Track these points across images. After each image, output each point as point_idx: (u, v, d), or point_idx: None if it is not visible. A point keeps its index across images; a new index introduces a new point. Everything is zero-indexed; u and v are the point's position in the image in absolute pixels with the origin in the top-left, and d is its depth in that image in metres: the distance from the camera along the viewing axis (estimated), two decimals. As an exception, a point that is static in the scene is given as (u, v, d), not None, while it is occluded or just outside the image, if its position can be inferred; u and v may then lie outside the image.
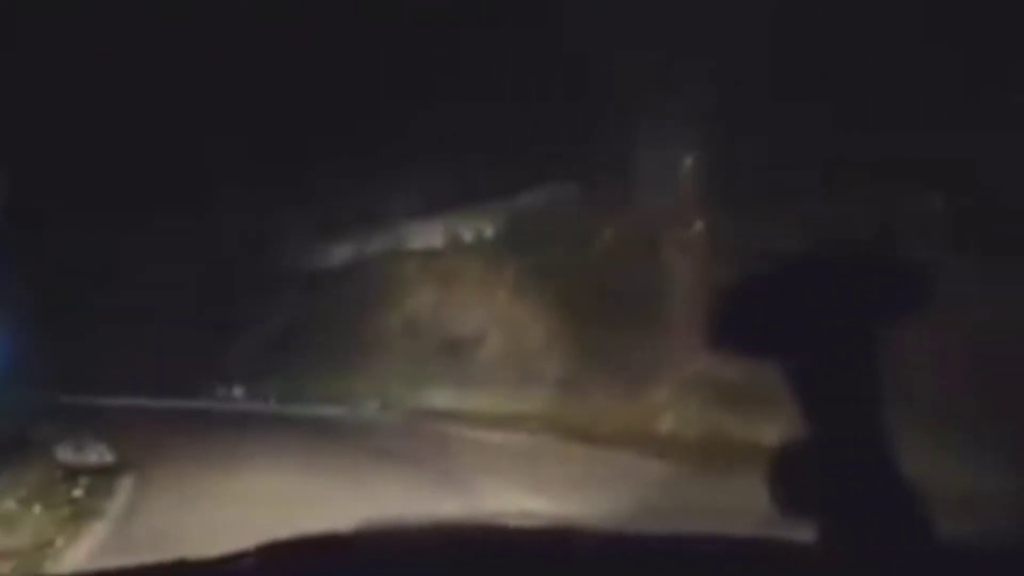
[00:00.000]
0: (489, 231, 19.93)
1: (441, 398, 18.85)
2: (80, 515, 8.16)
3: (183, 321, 23.60)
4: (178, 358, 23.37)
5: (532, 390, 16.80)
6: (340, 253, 24.02)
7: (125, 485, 10.11)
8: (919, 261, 0.88)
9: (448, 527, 1.49)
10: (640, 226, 15.20)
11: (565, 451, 13.60)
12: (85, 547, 7.33)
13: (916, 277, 0.88)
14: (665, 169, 14.59)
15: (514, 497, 8.93)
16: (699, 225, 14.20)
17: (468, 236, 20.47)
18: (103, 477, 10.51)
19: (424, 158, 19.53)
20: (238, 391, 24.84)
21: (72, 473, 10.52)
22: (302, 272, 24.87)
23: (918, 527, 0.85)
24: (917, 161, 10.10)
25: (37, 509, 8.16)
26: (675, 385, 14.29)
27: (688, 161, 14.37)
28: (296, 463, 11.51)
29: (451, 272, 20.60)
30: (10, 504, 8.29)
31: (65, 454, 11.69)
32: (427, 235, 21.60)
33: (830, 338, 0.86)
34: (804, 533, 0.90)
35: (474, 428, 15.90)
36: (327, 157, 21.25)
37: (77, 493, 9.18)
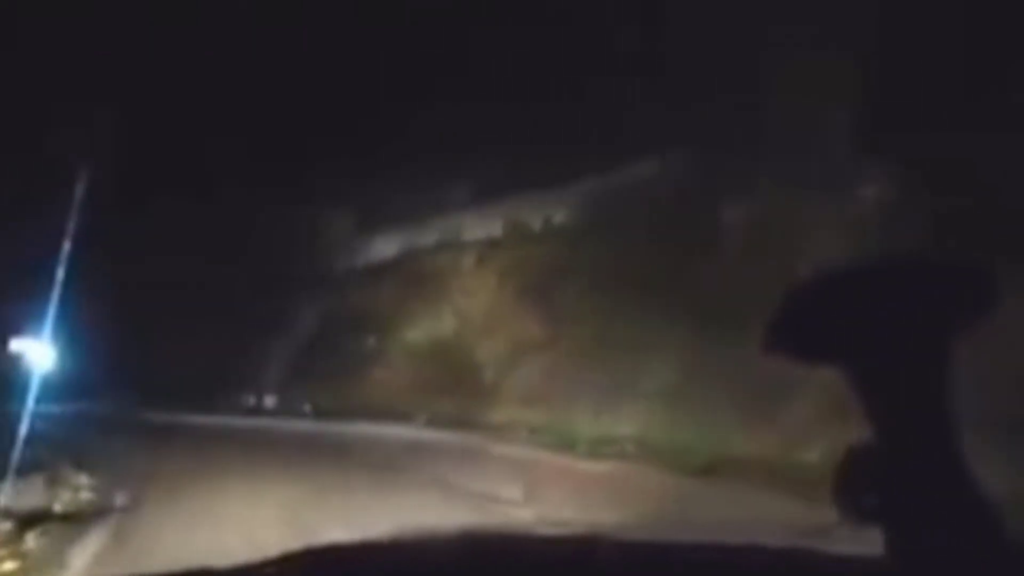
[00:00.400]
0: (560, 216, 16.81)
1: (504, 412, 15.81)
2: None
3: (205, 323, 20.89)
4: (201, 363, 20.73)
5: (622, 407, 13.66)
6: (384, 245, 21.06)
7: (89, 547, 7.13)
8: (988, 267, 0.85)
9: (471, 537, 1.49)
10: (773, 203, 12.10)
11: (666, 485, 10.50)
12: None
13: (986, 283, 0.86)
14: (808, 129, 11.39)
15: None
16: (860, 198, 11.02)
17: (535, 223, 17.36)
18: (64, 532, 7.57)
19: (480, 143, 16.99)
20: (269, 401, 22.08)
21: (25, 525, 7.59)
22: (341, 268, 22.01)
23: (987, 532, 0.82)
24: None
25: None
26: (818, 405, 11.05)
27: (839, 117, 11.14)
28: (325, 504, 8.58)
29: (514, 264, 17.53)
30: None
31: (27, 495, 8.75)
32: (485, 223, 18.53)
33: (899, 342, 0.84)
34: (870, 538, 0.86)
35: (547, 451, 12.88)
36: (363, 143, 18.90)
37: (8, 567, 6.24)
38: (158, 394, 18.33)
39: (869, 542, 0.87)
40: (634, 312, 14.32)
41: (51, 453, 10.16)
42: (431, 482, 10.28)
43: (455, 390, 17.23)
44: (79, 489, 8.99)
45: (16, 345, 20.04)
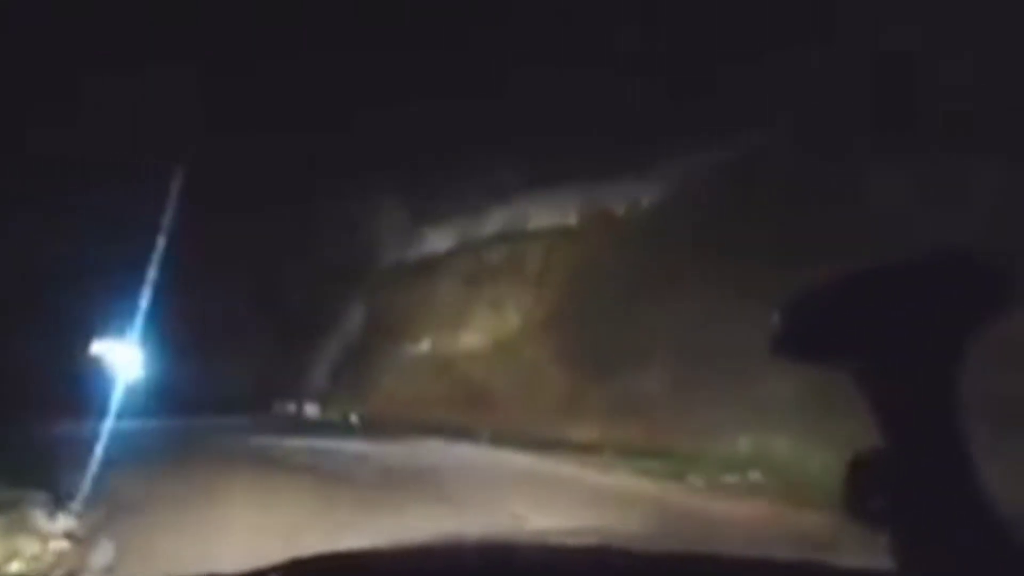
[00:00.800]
0: (649, 199, 14.27)
1: (586, 430, 13.34)
2: None
3: (240, 324, 18.73)
4: (236, 368, 18.60)
5: (736, 426, 11.11)
6: (438, 238, 18.69)
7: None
8: (1005, 266, 0.82)
9: (476, 546, 1.51)
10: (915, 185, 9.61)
11: (833, 536, 7.79)
12: None
13: (1002, 281, 0.83)
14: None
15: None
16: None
17: (618, 207, 14.82)
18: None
19: (545, 122, 14.80)
20: (310, 410, 19.87)
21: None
22: (389, 263, 19.72)
23: (998, 536, 0.80)
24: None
25: None
26: (986, 419, 8.37)
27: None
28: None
29: (591, 256, 15.03)
30: None
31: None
32: (555, 210, 16.03)
33: (910, 341, 0.83)
34: (880, 544, 0.83)
35: (651, 481, 10.38)
36: (411, 125, 16.91)
37: None
38: (185, 404, 16.14)
39: (879, 553, 0.85)
40: (743, 312, 11.71)
41: (23, 487, 7.83)
42: (471, 512, 7.96)
43: (523, 402, 14.82)
44: (48, 539, 6.66)
45: (99, 347, 18.26)
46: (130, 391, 14.20)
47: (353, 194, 19.00)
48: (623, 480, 10.75)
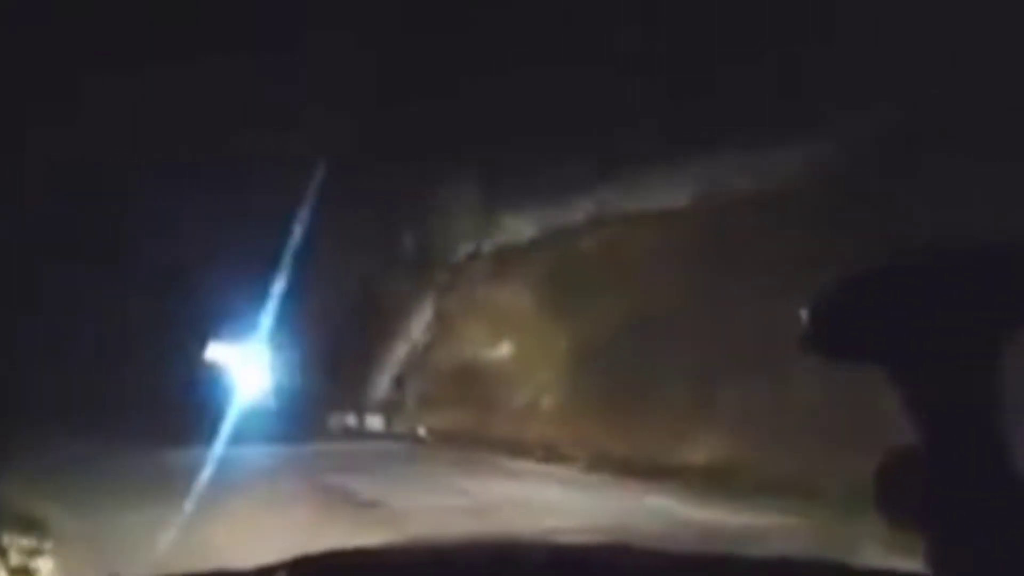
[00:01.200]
0: (779, 172, 11.79)
1: (703, 451, 11.09)
2: None
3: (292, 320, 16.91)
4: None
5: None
6: (518, 224, 16.55)
7: None
8: None
9: (480, 544, 1.54)
10: None
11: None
12: None
13: None
14: None
15: None
16: None
17: (742, 183, 12.36)
18: None
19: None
20: (373, 421, 17.99)
21: None
22: (463, 253, 17.72)
23: None
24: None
25: None
26: None
27: None
28: None
29: (707, 246, 12.64)
30: None
31: None
32: (663, 185, 13.65)
33: (947, 337, 0.80)
34: (917, 555, 0.79)
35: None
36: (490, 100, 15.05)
37: None
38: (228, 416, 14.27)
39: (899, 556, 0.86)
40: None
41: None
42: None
43: (624, 418, 12.51)
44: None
45: (215, 352, 16.84)
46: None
47: (422, 181, 17.14)
48: (775, 519, 8.37)
